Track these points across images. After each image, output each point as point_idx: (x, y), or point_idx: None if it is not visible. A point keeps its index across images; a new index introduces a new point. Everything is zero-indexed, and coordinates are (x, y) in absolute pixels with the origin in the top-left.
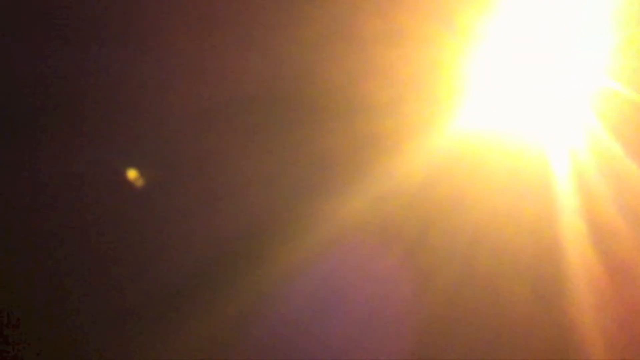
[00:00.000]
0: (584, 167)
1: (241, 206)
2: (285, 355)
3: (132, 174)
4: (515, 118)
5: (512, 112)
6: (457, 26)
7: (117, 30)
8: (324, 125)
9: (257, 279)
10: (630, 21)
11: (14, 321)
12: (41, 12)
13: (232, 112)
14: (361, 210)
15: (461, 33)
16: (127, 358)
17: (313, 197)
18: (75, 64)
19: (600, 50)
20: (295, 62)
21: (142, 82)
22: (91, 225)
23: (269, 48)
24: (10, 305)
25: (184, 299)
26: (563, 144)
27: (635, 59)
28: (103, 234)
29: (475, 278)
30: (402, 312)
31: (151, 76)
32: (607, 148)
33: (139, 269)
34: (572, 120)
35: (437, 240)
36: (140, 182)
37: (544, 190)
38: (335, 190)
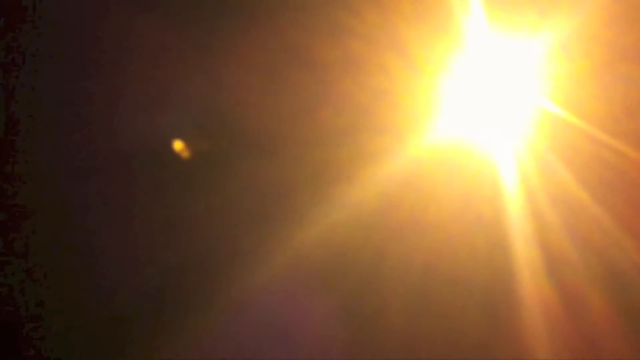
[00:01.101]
0: (536, 194)
1: (194, 233)
2: None
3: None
4: (469, 145)
5: (465, 139)
6: (410, 54)
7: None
8: (278, 153)
9: (210, 307)
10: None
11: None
12: None
13: (185, 141)
14: (315, 237)
15: (415, 60)
16: None
17: (267, 224)
18: None
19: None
20: (249, 89)
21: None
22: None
23: (223, 75)
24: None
25: (133, 325)
26: (515, 170)
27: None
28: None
29: (429, 304)
30: (357, 342)
31: (104, 106)
32: (558, 175)
33: None
34: (524, 147)
35: (392, 267)
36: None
37: (496, 217)
38: (288, 218)
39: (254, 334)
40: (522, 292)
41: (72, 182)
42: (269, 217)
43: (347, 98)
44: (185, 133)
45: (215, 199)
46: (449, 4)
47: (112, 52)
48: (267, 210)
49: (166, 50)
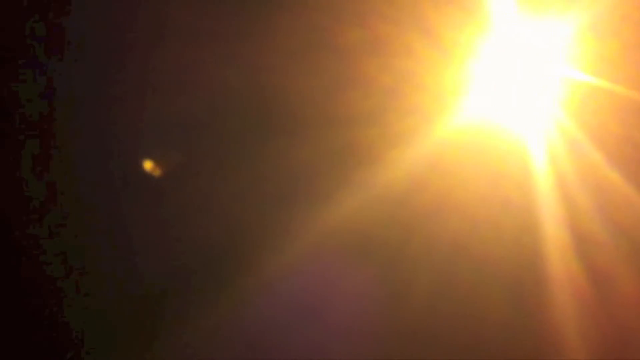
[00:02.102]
0: (565, 175)
1: (223, 215)
2: None
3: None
4: (496, 127)
5: (493, 120)
6: (436, 35)
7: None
8: (305, 135)
9: (238, 287)
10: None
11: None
12: None
13: (213, 122)
14: (342, 219)
15: (441, 42)
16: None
17: (294, 206)
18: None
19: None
20: (275, 72)
21: (123, 94)
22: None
23: (249, 58)
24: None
25: (162, 306)
26: (545, 152)
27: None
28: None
29: (456, 287)
30: (382, 321)
31: (132, 87)
32: (588, 156)
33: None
34: (552, 128)
35: (419, 249)
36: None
37: (525, 199)
38: (316, 199)
39: (283, 312)
40: (551, 274)
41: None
42: (297, 198)
43: (373, 80)
44: (213, 116)
45: (245, 181)
46: None
47: (143, 33)
48: (295, 191)
49: (194, 33)
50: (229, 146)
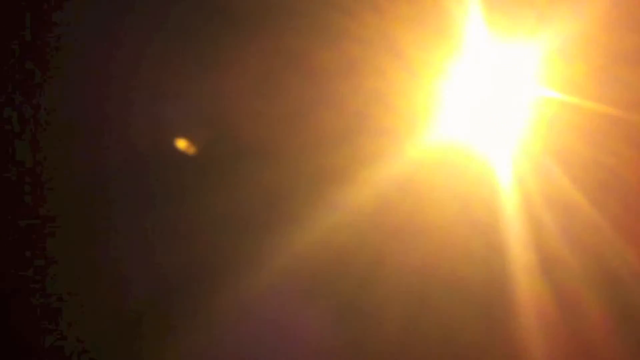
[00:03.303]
0: (533, 197)
1: (193, 240)
2: None
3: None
4: (466, 148)
5: (463, 141)
6: (407, 57)
7: None
8: (275, 156)
9: (211, 311)
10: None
11: None
12: None
13: (182, 145)
14: (313, 241)
15: (412, 63)
16: None
17: (265, 228)
18: None
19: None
20: (245, 93)
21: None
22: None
23: (219, 80)
24: None
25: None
26: (512, 173)
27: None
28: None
29: (426, 308)
30: (355, 342)
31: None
32: (555, 178)
33: None
34: (521, 150)
35: (389, 270)
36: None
37: (494, 220)
38: (287, 221)
39: (253, 338)
40: (519, 295)
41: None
42: (267, 221)
43: (343, 101)
44: (182, 138)
45: (213, 204)
46: (447, 7)
47: (108, 59)
48: (264, 214)
49: (163, 56)
50: (196, 169)
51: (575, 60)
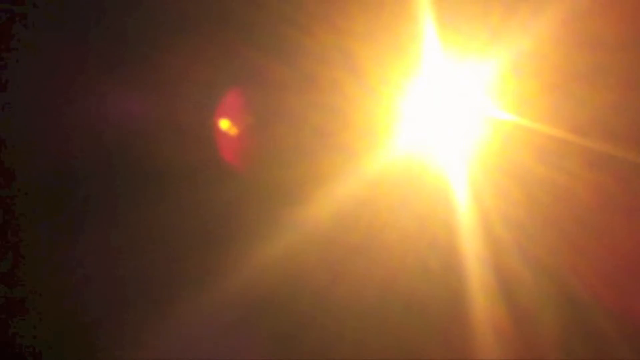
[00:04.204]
0: (490, 215)
1: (147, 256)
2: None
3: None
4: (422, 165)
5: (419, 158)
6: (364, 73)
7: None
8: (232, 172)
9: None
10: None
11: None
12: None
13: (137, 161)
14: (269, 259)
15: (368, 80)
16: None
17: (219, 246)
18: None
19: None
20: (202, 107)
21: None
22: None
23: (177, 94)
24: None
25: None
26: (469, 191)
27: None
28: None
29: (383, 326)
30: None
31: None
32: (511, 195)
33: None
34: (477, 167)
35: (346, 288)
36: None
37: (450, 238)
38: (242, 239)
39: (209, 351)
40: (476, 313)
41: None
42: (221, 239)
43: (300, 117)
44: (138, 151)
45: (168, 220)
46: (403, 25)
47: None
48: (219, 232)
49: (118, 69)
50: (151, 183)
51: (529, 78)
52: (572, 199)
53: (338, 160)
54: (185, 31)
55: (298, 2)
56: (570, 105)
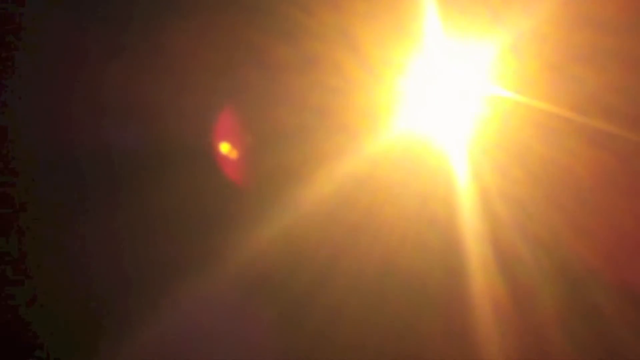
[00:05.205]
0: (489, 193)
1: (152, 237)
2: None
3: None
4: (423, 144)
5: (420, 138)
6: (365, 54)
7: None
8: (233, 152)
9: (165, 308)
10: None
11: None
12: None
13: (138, 142)
14: (271, 238)
15: (369, 60)
16: None
17: (222, 225)
18: None
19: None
20: (203, 88)
21: None
22: None
23: (178, 75)
24: None
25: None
26: (469, 170)
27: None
28: None
29: (384, 304)
30: (313, 337)
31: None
32: (511, 174)
33: None
34: (477, 146)
35: (347, 266)
36: None
37: (450, 216)
38: (244, 218)
39: (214, 331)
40: (476, 290)
41: None
42: (224, 218)
43: (302, 97)
44: (136, 135)
45: (171, 201)
46: (403, 5)
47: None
48: (221, 211)
49: (120, 50)
50: (154, 163)
51: (529, 58)
52: (572, 177)
53: (339, 140)
54: (186, 14)
55: None
56: (570, 85)
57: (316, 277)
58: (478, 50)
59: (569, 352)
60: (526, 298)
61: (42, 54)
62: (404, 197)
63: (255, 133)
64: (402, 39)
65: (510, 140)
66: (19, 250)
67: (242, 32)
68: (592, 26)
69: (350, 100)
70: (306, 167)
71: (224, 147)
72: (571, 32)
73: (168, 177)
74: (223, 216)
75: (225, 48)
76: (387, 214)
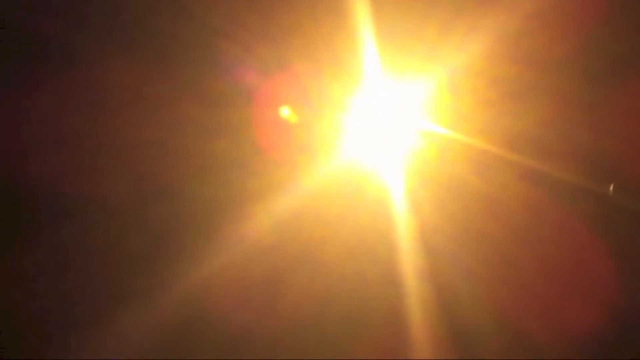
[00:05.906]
0: (428, 228)
1: (84, 274)
2: None
3: None
4: (362, 179)
5: (359, 173)
6: (305, 88)
7: None
8: (169, 188)
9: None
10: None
11: None
12: None
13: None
14: (209, 275)
15: (309, 95)
16: None
17: (159, 263)
18: None
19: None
20: (142, 123)
21: None
22: None
23: (122, 108)
24: None
25: None
26: (407, 205)
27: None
28: None
29: (324, 340)
30: None
31: None
32: (448, 208)
33: None
34: (416, 182)
35: (287, 303)
36: None
37: (389, 251)
38: (181, 255)
39: None
40: (415, 326)
41: None
42: (161, 256)
43: (241, 132)
44: (79, 172)
45: (105, 239)
46: (341, 41)
47: None
48: (158, 249)
49: (57, 84)
50: (88, 203)
51: (464, 94)
52: (504, 212)
53: (278, 175)
54: (123, 47)
55: (236, 16)
56: (503, 121)
57: (255, 313)
58: (414, 87)
59: None
60: (462, 331)
61: None
62: (342, 231)
63: (193, 167)
64: (340, 75)
65: (445, 174)
66: None
67: (180, 66)
68: (525, 63)
69: (287, 134)
70: (244, 202)
71: (162, 182)
72: (504, 68)
73: (103, 212)
74: (160, 254)
75: (164, 81)
76: (325, 249)
